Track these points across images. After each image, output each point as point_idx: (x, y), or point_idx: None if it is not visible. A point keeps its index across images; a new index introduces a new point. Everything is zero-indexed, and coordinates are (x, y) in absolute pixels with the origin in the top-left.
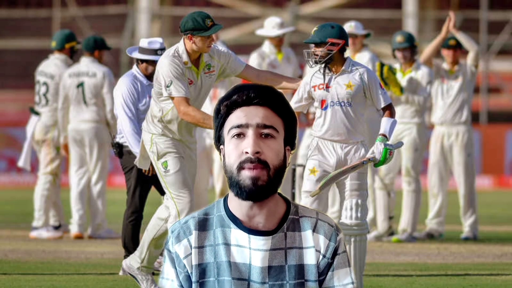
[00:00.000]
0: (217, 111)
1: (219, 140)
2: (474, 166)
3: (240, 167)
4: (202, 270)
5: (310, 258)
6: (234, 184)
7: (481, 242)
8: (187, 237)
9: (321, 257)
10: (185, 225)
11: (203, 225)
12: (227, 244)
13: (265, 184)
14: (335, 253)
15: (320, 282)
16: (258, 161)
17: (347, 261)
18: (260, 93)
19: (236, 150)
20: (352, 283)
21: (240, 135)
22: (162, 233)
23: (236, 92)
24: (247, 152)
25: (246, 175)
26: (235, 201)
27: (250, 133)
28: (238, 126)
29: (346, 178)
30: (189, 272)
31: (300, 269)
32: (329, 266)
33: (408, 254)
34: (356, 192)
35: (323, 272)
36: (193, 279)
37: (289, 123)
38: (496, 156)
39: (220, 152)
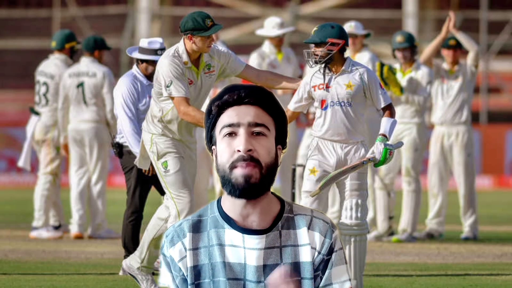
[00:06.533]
0: (209, 111)
1: (211, 141)
2: (474, 166)
3: (233, 166)
4: (197, 271)
5: (305, 256)
6: (226, 183)
7: (481, 242)
8: (181, 239)
9: (316, 253)
10: (179, 228)
11: (197, 227)
12: (221, 245)
13: (258, 182)
14: (331, 250)
15: (315, 277)
16: (251, 159)
17: (343, 258)
18: (251, 93)
19: (228, 148)
20: (349, 279)
21: (231, 134)
22: (162, 233)
23: (227, 92)
24: (239, 151)
25: (239, 173)
26: (229, 201)
27: (241, 131)
28: (230, 125)
29: (346, 178)
30: (185, 274)
31: (296, 266)
32: (325, 262)
33: (408, 254)
34: (356, 192)
35: (318, 268)
36: (189, 281)
37: (279, 122)
38: (496, 156)
39: (212, 152)
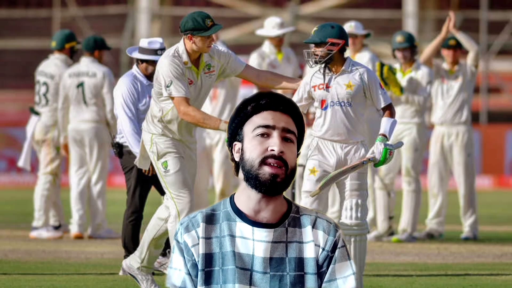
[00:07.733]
0: (240, 110)
1: (234, 136)
2: (474, 166)
3: (263, 162)
4: (208, 259)
5: (309, 252)
6: (252, 176)
7: (481, 242)
8: (195, 228)
9: (320, 250)
10: (194, 219)
11: (210, 219)
12: (232, 236)
13: (282, 181)
14: (335, 247)
15: (320, 274)
16: (280, 160)
17: (347, 255)
18: (285, 102)
19: (261, 146)
20: (354, 273)
21: (264, 135)
22: (162, 233)
23: (262, 97)
24: (272, 150)
25: (267, 171)
26: (244, 196)
27: (276, 134)
28: (266, 126)
29: (346, 178)
30: (196, 260)
31: (300, 262)
32: (329, 259)
33: (408, 254)
34: (356, 192)
35: (322, 265)
36: (199, 267)
37: (301, 133)
38: (496, 156)
39: (231, 148)
